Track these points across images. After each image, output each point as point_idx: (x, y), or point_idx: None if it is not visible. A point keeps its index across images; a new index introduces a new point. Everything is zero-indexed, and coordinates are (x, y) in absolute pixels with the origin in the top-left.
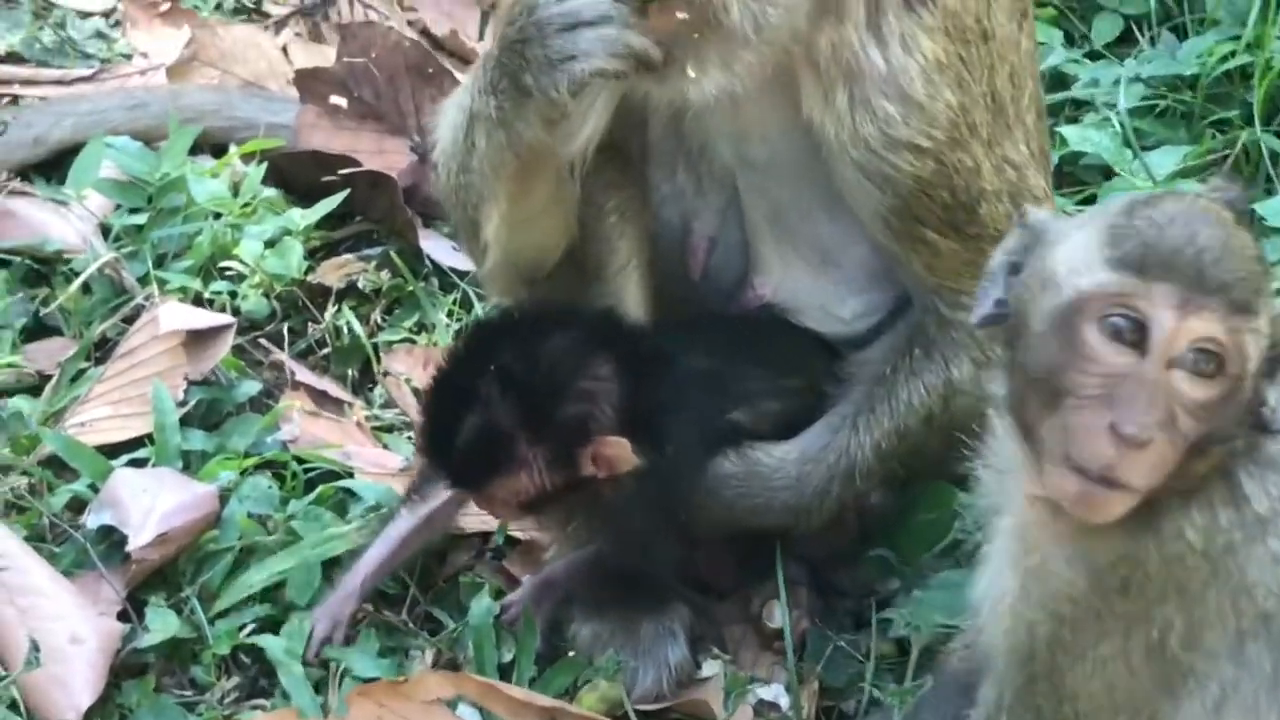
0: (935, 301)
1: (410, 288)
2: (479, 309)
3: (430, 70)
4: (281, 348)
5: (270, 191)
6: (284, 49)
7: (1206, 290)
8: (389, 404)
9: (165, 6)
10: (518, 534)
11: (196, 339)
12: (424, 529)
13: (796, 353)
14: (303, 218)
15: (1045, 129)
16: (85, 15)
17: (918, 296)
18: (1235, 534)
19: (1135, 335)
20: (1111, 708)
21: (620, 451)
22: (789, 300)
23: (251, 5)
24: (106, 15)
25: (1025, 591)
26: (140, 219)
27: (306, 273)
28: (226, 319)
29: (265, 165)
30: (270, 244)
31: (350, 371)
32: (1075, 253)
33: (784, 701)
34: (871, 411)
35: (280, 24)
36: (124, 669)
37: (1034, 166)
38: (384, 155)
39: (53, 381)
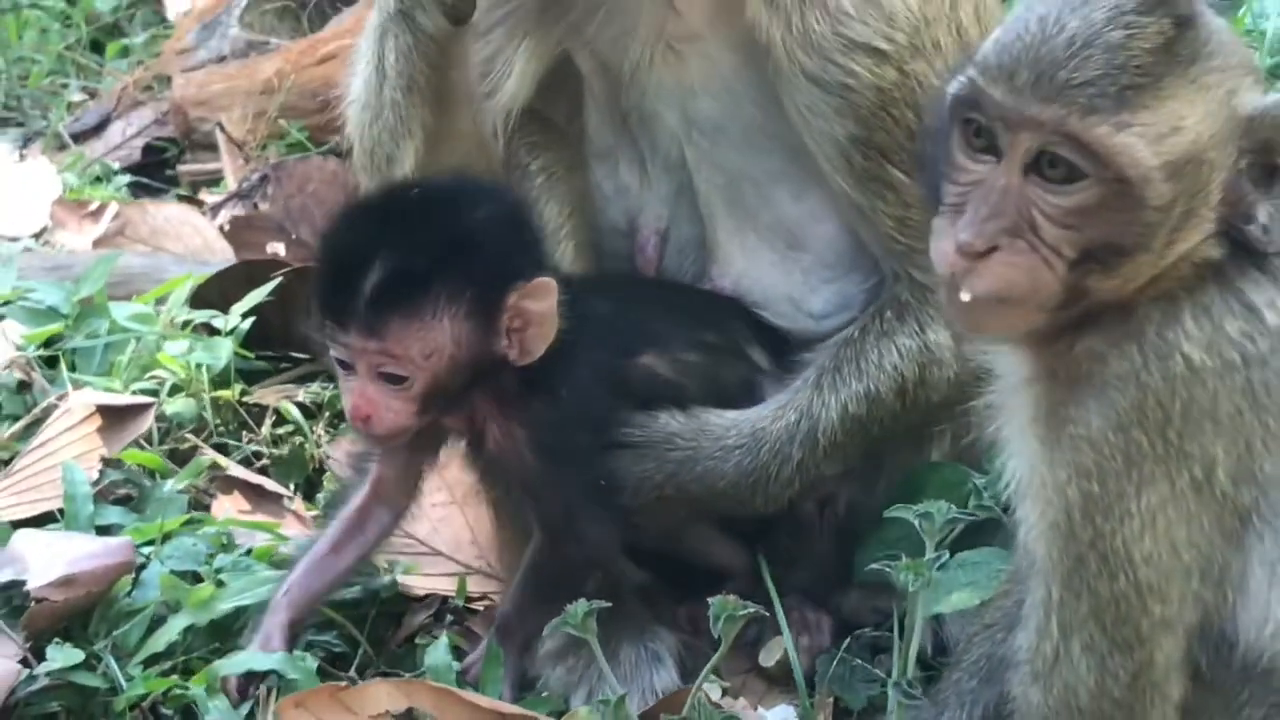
0: (907, 268)
1: None
2: None
3: None
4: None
5: (199, 314)
6: (220, 229)
7: (1044, 92)
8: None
9: (94, 205)
10: (477, 595)
11: (113, 420)
12: (355, 530)
13: (712, 310)
14: (235, 310)
15: None
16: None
17: (889, 264)
18: (1252, 346)
19: (985, 141)
20: (1172, 570)
21: (543, 298)
22: (753, 293)
23: (186, 194)
24: (36, 236)
25: (1047, 460)
26: (55, 342)
27: (241, 395)
28: (146, 399)
29: (192, 288)
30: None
31: (291, 485)
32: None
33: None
34: (837, 371)
35: (216, 209)
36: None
37: None
38: None
39: None
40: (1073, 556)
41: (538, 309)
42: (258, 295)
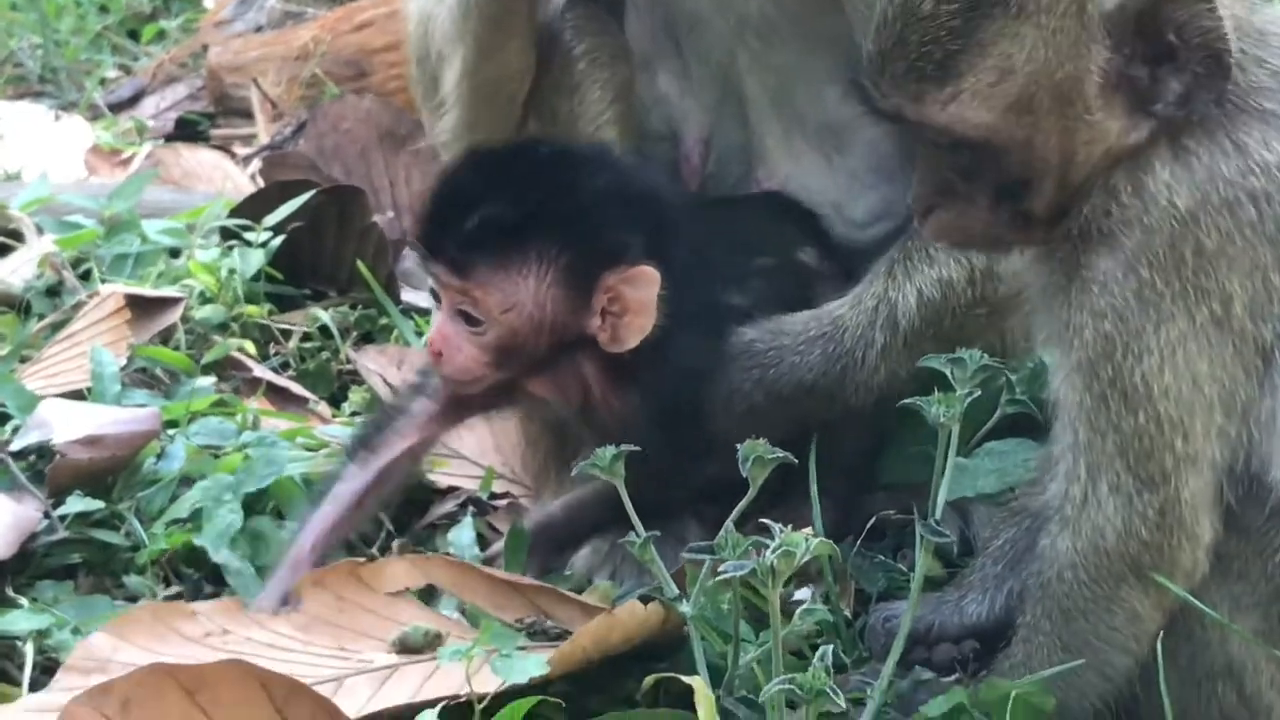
0: None
1: (384, 320)
2: None
3: (404, 131)
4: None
5: (231, 222)
6: (253, 177)
7: (887, 85)
8: (360, 413)
9: (128, 154)
10: (500, 493)
11: (142, 313)
12: (377, 486)
13: (761, 226)
14: (267, 221)
15: None
16: None
17: None
18: (1254, 181)
19: None
20: (1194, 404)
21: (643, 286)
22: (798, 197)
23: (219, 146)
24: None
25: (1066, 305)
26: (85, 258)
27: (269, 314)
28: (175, 294)
29: (226, 208)
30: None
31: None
32: None
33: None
34: (908, 259)
35: (248, 160)
36: (45, 573)
37: None
38: None
39: None
40: (1096, 396)
41: (636, 296)
42: (290, 207)
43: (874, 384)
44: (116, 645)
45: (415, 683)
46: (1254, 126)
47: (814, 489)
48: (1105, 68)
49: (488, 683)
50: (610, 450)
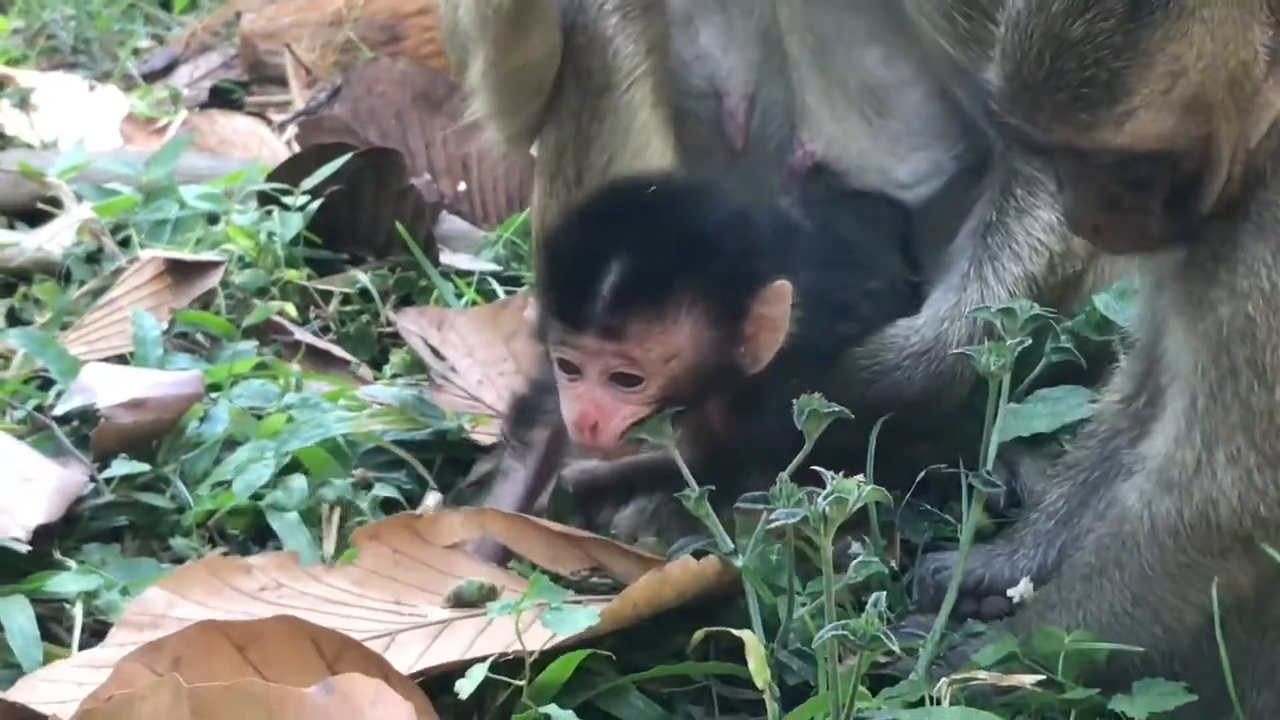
0: None
1: (423, 282)
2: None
3: (439, 93)
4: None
5: (269, 186)
6: (288, 143)
7: (1045, 120)
8: (401, 375)
9: (163, 122)
10: None
11: (182, 278)
12: (539, 483)
13: (858, 242)
14: (305, 184)
15: None
16: None
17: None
18: None
19: None
20: None
21: (779, 302)
22: (841, 160)
23: (254, 112)
24: None
25: (1201, 280)
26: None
27: (308, 279)
28: (215, 258)
29: (262, 173)
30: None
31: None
32: None
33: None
34: (994, 259)
35: (283, 126)
36: (91, 536)
37: None
38: None
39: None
40: (1223, 368)
41: (774, 314)
42: (327, 170)
43: (963, 394)
44: (171, 600)
45: (468, 638)
46: None
47: (872, 443)
48: (1270, 45)
49: (540, 638)
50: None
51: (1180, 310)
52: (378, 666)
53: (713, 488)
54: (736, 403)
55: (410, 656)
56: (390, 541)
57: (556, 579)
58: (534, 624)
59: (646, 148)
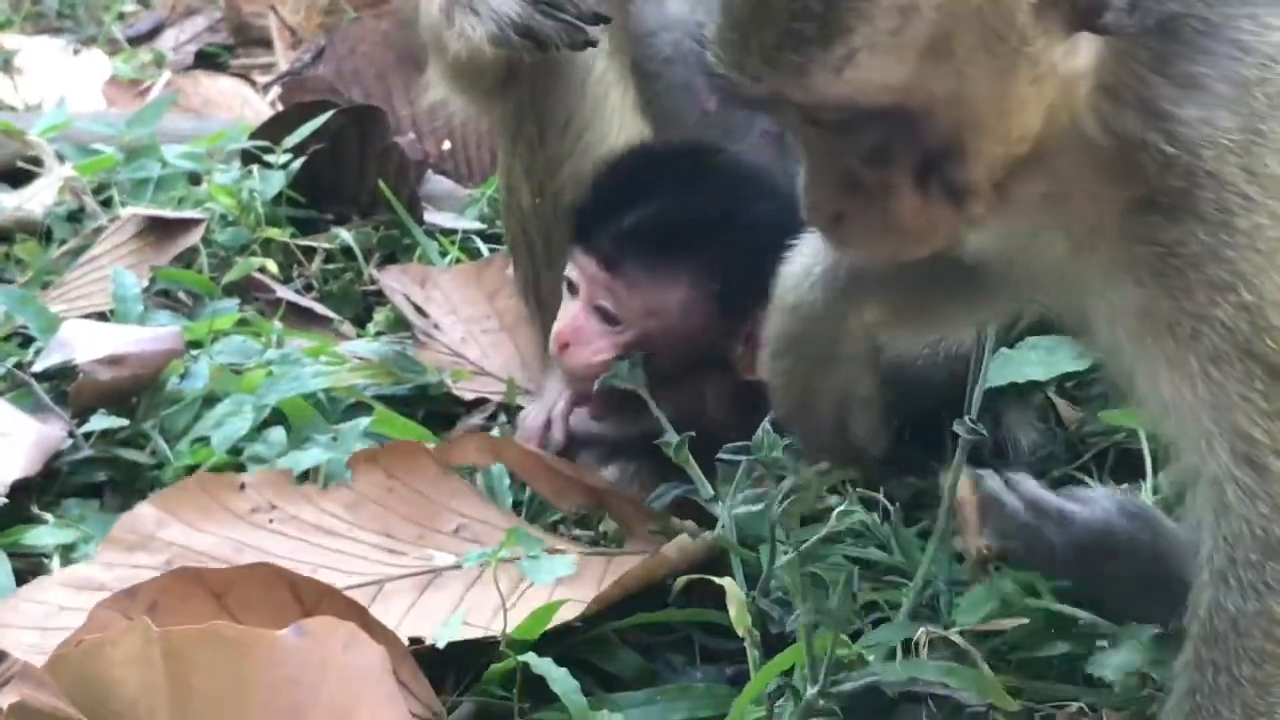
0: None
1: (407, 241)
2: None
3: (422, 54)
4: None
5: (251, 144)
6: (272, 104)
7: (753, 69)
8: (384, 332)
9: (146, 84)
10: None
11: (162, 235)
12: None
13: None
14: (287, 142)
15: None
16: None
17: None
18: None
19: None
20: None
21: None
22: None
23: (238, 74)
24: None
25: (1168, 296)
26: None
27: (291, 237)
28: (196, 215)
29: (245, 132)
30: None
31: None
32: None
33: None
34: None
35: (268, 87)
36: (71, 491)
37: None
38: None
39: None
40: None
41: None
42: (309, 128)
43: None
44: (161, 519)
45: (458, 591)
46: (1236, 11)
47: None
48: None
49: (534, 595)
50: (638, 357)
51: (1160, 335)
52: (356, 614)
53: (692, 434)
54: (736, 397)
55: (398, 609)
56: (390, 467)
57: (558, 525)
58: (522, 582)
59: (604, 100)
